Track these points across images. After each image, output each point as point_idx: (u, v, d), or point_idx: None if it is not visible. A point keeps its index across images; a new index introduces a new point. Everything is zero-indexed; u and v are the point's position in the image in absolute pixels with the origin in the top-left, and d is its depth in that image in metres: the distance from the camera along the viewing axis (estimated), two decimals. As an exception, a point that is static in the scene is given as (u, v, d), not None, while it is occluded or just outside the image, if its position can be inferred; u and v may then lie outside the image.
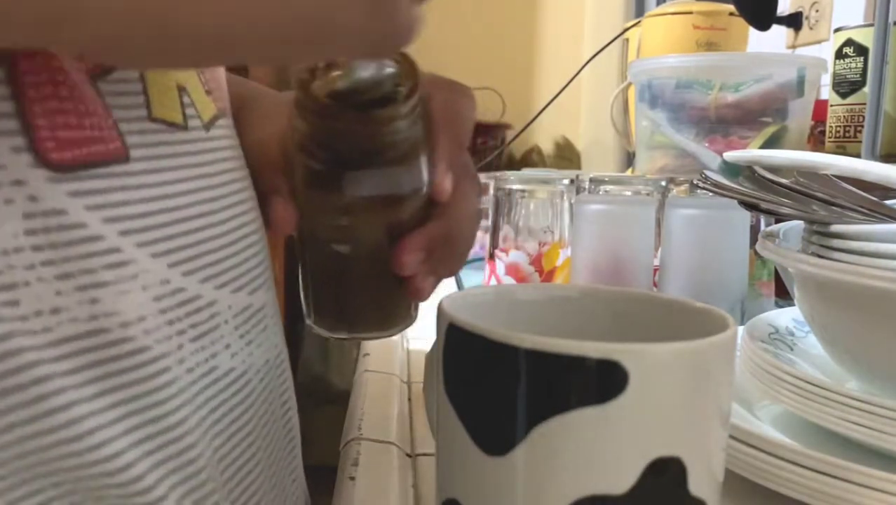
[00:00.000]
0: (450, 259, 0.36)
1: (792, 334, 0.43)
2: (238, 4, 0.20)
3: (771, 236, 0.40)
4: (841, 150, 0.87)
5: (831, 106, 0.90)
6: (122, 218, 0.25)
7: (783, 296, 0.59)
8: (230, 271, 0.30)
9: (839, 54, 0.88)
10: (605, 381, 0.21)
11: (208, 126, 0.30)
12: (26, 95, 0.22)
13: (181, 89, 0.29)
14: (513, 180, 0.65)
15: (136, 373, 0.25)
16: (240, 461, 0.31)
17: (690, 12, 1.06)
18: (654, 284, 0.58)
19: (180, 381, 0.27)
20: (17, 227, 0.22)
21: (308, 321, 0.38)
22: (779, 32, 1.22)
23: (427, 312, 0.31)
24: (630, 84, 1.10)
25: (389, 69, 0.32)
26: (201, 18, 0.20)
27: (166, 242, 0.26)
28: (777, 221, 0.43)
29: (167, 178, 0.27)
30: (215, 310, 0.29)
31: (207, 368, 0.28)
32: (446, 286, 0.38)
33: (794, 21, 1.18)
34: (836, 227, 0.34)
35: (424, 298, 0.36)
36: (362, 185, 0.33)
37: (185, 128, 0.28)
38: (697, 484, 0.22)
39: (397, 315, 0.38)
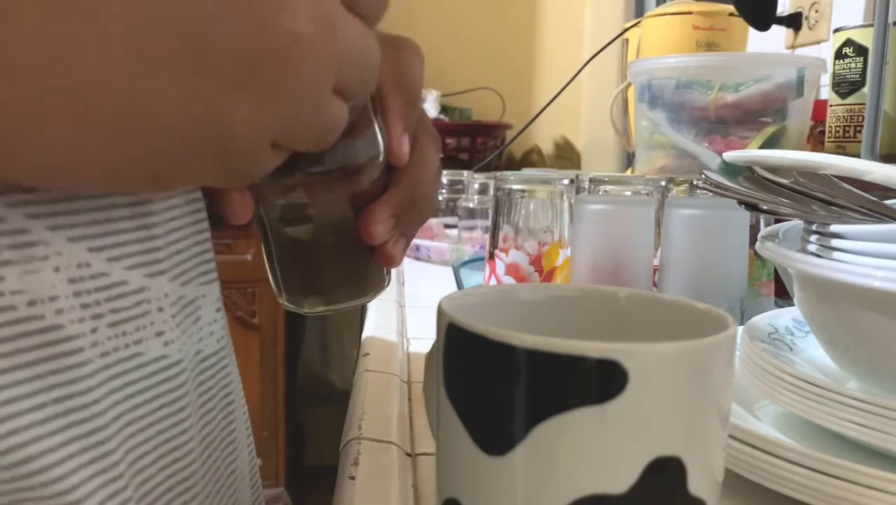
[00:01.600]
0: (417, 220, 0.36)
1: (792, 334, 0.43)
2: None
3: (771, 236, 0.40)
4: (841, 151, 0.87)
5: (831, 106, 0.90)
6: (29, 202, 0.25)
7: (783, 296, 0.59)
8: (165, 261, 0.30)
9: (839, 54, 0.88)
10: (605, 381, 0.21)
11: None
12: None
13: None
14: (513, 180, 0.65)
15: (49, 350, 0.25)
16: (162, 450, 0.30)
17: (690, 12, 1.06)
18: (654, 284, 0.58)
19: (93, 363, 0.27)
20: None
21: (280, 300, 0.37)
22: (778, 32, 1.22)
23: (427, 312, 0.31)
24: (630, 84, 1.10)
25: None
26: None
27: (86, 228, 0.27)
28: (777, 221, 0.43)
29: None
30: (144, 297, 0.29)
31: (128, 354, 0.28)
32: (446, 286, 0.38)
33: (794, 21, 1.18)
34: (835, 227, 0.34)
35: (397, 263, 0.36)
36: (317, 161, 0.32)
37: None
38: (697, 484, 0.22)
39: (370, 281, 0.38)
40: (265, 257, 0.37)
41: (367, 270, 0.37)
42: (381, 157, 0.33)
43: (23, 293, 0.25)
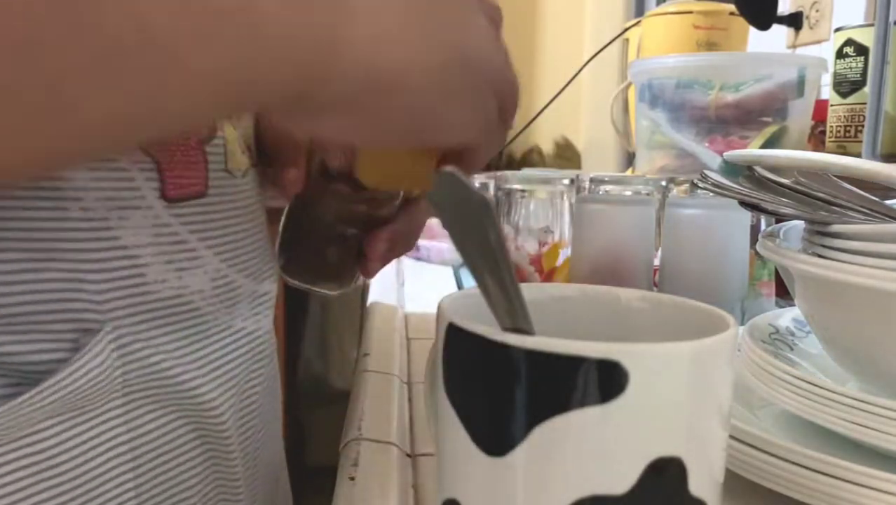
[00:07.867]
0: (402, 250, 0.50)
1: (792, 334, 0.42)
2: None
3: (771, 236, 0.40)
4: (841, 150, 0.87)
5: (832, 106, 0.90)
6: (199, 230, 0.38)
7: (783, 296, 0.59)
8: (257, 264, 0.44)
9: (839, 54, 0.88)
10: (606, 381, 0.21)
11: (244, 174, 0.43)
12: (161, 164, 0.36)
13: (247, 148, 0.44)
14: (513, 180, 0.65)
15: (199, 326, 0.39)
16: (250, 398, 0.43)
17: (690, 12, 1.06)
18: (654, 284, 0.58)
19: (224, 332, 0.41)
20: (147, 234, 0.36)
21: (278, 264, 0.48)
22: (779, 32, 1.21)
23: (427, 312, 0.31)
24: (630, 84, 1.10)
25: None
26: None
27: (222, 246, 0.40)
28: (777, 221, 0.43)
29: (227, 206, 0.40)
30: (242, 291, 0.42)
31: (237, 328, 0.42)
32: (446, 286, 0.38)
33: (795, 21, 1.18)
34: (836, 227, 0.34)
35: (371, 276, 0.50)
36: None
37: (237, 175, 0.42)
38: (697, 484, 0.22)
39: (346, 279, 0.50)
40: (288, 228, 0.48)
41: (351, 270, 0.50)
42: (398, 202, 0.47)
43: (188, 287, 0.38)
